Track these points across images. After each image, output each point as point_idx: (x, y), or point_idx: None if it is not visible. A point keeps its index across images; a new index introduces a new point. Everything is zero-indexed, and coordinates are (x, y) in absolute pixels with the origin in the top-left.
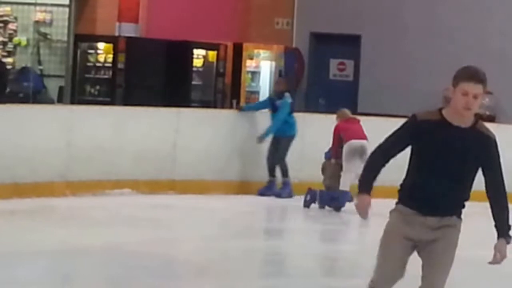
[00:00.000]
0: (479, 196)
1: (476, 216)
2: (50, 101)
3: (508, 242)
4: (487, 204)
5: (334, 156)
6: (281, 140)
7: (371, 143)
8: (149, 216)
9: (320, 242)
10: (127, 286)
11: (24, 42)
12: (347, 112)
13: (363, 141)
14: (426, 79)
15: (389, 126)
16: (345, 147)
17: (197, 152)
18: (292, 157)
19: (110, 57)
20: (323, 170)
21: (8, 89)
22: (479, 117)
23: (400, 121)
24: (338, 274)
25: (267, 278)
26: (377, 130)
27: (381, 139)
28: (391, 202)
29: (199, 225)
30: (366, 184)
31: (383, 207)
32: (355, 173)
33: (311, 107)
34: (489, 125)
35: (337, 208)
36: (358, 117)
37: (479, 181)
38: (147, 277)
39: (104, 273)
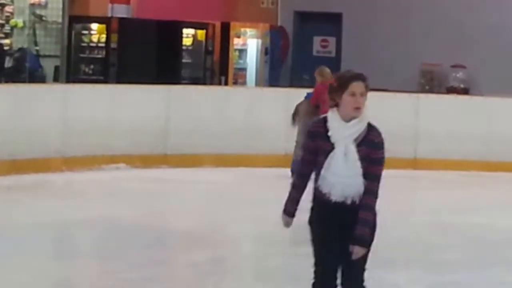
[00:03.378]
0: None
1: (450, 184)
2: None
3: None
4: (462, 172)
5: (313, 102)
6: None
7: None
8: (143, 189)
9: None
10: (122, 257)
11: (20, 24)
12: (327, 71)
13: None
14: (404, 55)
15: (368, 100)
16: None
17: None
18: (279, 129)
19: (103, 37)
20: (296, 111)
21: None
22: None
23: (379, 95)
24: None
25: (259, 247)
26: None
27: None
28: None
29: (191, 197)
30: None
31: None
32: None
33: (296, 82)
34: (463, 97)
35: None
36: None
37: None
38: (142, 248)
39: (100, 245)
